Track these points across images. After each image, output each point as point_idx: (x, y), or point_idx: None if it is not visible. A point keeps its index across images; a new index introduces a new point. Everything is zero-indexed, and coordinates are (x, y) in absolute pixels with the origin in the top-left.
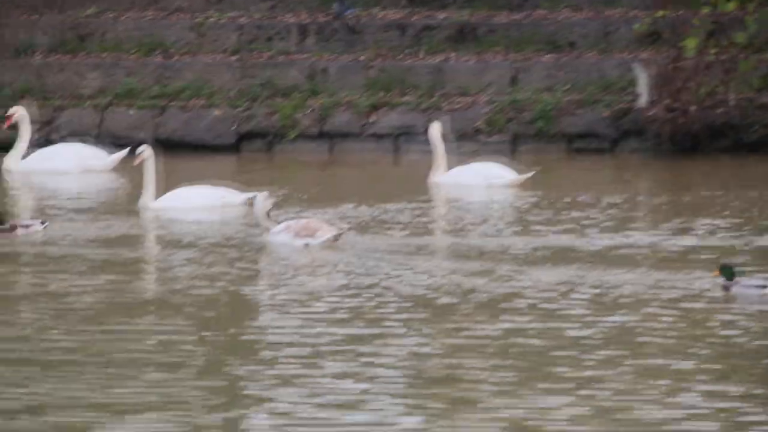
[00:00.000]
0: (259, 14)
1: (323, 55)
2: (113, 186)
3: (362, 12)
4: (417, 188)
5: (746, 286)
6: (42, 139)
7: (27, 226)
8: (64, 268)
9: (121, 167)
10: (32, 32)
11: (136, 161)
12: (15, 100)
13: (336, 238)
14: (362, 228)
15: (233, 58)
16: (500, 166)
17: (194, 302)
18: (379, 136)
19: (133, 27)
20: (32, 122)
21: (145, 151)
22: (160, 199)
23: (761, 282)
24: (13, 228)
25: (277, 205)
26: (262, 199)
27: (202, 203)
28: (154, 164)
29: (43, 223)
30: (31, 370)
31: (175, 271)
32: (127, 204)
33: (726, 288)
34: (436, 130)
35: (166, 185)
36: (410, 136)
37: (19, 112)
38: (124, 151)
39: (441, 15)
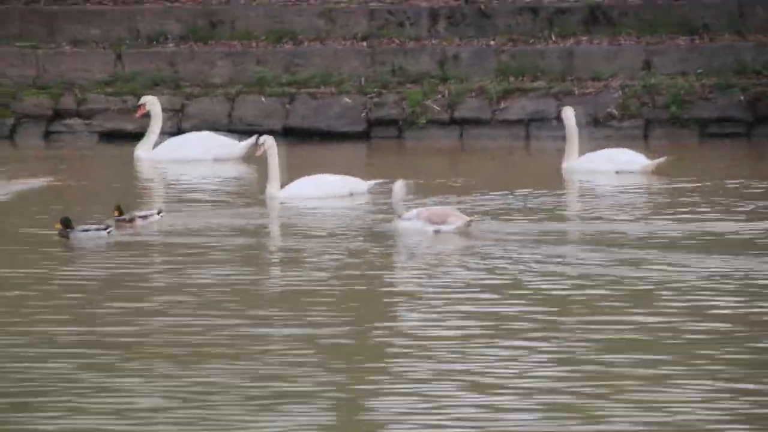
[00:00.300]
0: None
1: (454, 40)
2: (242, 175)
3: None
4: (549, 174)
5: None
6: (173, 128)
7: (145, 217)
8: (192, 260)
9: (251, 156)
10: (165, 20)
11: (259, 152)
12: (147, 88)
13: (467, 224)
14: (493, 215)
15: (363, 44)
16: (632, 152)
17: (328, 293)
18: (509, 122)
19: (263, 14)
20: (163, 111)
21: (267, 141)
22: (286, 188)
23: None
24: (132, 219)
25: (409, 192)
26: (399, 186)
27: (327, 192)
28: (276, 153)
29: (159, 213)
30: (178, 363)
31: (305, 262)
32: (254, 193)
33: None
34: (569, 114)
35: (296, 173)
36: (541, 122)
37: (151, 102)
38: (252, 139)
39: None
